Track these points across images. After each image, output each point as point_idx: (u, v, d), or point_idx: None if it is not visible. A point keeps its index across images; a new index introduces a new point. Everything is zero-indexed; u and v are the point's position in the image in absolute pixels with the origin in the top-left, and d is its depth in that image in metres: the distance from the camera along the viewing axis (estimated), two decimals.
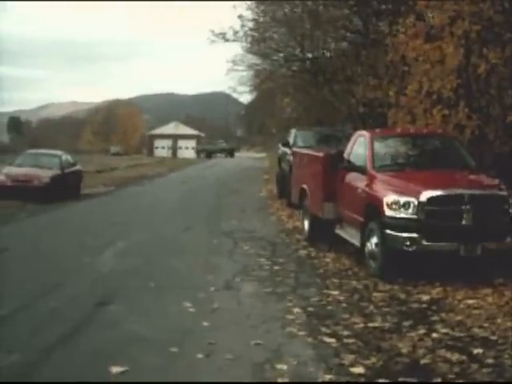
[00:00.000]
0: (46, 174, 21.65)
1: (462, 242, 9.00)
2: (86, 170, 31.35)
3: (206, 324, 7.13)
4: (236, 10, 30.31)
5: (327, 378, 5.52)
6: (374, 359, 5.97)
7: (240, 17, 28.02)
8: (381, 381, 5.47)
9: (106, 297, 8.31)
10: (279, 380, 5.46)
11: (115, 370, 5.57)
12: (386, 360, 5.97)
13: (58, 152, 25.74)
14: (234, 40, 28.65)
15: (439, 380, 5.48)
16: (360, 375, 5.60)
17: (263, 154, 75.60)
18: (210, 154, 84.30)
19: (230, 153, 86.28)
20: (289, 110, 40.41)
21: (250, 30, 28.90)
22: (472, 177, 10.43)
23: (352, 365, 5.82)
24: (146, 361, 5.93)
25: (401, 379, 5.50)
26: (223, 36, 28.31)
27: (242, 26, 28.19)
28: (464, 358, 5.96)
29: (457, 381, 5.48)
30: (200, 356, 6.02)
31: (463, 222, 9.03)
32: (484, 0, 11.48)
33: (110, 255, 11.37)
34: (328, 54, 28.45)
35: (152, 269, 10.37)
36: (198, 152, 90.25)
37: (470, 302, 8.02)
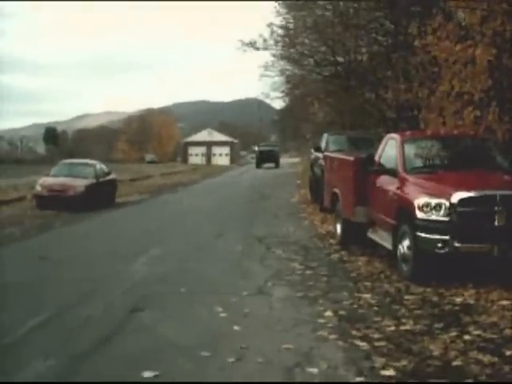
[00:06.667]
0: (80, 184, 21.93)
1: (495, 243, 8.89)
2: (121, 179, 31.67)
3: (237, 328, 7.17)
4: (265, 18, 30.38)
5: (358, 380, 5.52)
6: (405, 362, 5.95)
7: (270, 25, 28.13)
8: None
9: (138, 303, 8.39)
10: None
11: (147, 374, 5.65)
12: (417, 362, 5.94)
13: (93, 161, 26.05)
14: (264, 48, 28.78)
15: (470, 381, 5.46)
16: (391, 377, 5.59)
17: (297, 159, 75.45)
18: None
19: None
20: (321, 114, 40.33)
21: (280, 36, 29.00)
22: (504, 177, 10.29)
23: (383, 367, 5.80)
24: (178, 365, 6.00)
25: (432, 380, 5.48)
26: (253, 45, 28.45)
27: (272, 32, 28.31)
28: (496, 359, 5.91)
29: (489, 380, 5.46)
30: (231, 360, 6.06)
31: (496, 223, 8.91)
32: None
33: (143, 262, 11.48)
34: (359, 58, 28.38)
35: (184, 275, 10.45)
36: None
37: (504, 303, 7.92)
